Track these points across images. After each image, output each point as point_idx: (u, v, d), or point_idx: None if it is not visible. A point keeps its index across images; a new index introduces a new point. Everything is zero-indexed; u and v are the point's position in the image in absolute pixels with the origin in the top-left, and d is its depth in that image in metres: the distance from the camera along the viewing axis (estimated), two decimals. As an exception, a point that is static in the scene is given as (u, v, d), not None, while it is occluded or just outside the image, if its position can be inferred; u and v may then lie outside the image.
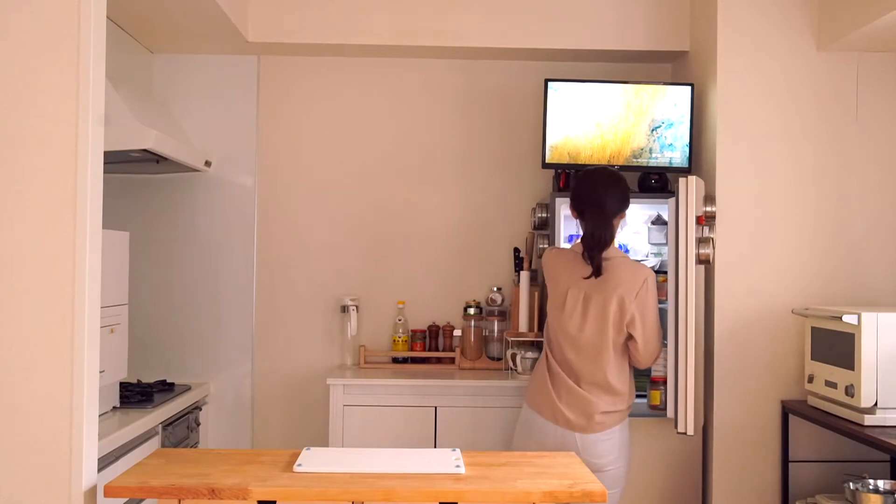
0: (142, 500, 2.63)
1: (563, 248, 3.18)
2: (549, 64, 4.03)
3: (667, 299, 3.28)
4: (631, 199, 3.01)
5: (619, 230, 3.00)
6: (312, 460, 2.16)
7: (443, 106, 4.10)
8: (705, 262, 3.40)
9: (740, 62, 3.53)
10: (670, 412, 3.21)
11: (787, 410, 3.45)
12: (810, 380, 3.33)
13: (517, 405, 3.66)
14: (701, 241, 3.35)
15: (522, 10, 3.85)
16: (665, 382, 3.29)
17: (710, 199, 3.47)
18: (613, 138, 3.67)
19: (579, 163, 3.67)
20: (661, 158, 3.68)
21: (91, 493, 2.08)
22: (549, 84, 3.68)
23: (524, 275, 3.81)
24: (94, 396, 2.11)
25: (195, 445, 3.65)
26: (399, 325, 4.01)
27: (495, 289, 3.99)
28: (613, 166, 3.66)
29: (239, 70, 4.03)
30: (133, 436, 2.88)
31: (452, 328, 4.03)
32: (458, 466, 2.10)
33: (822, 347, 3.28)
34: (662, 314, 3.08)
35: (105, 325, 2.70)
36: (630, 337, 2.89)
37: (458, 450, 2.29)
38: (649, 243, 3.80)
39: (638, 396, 3.09)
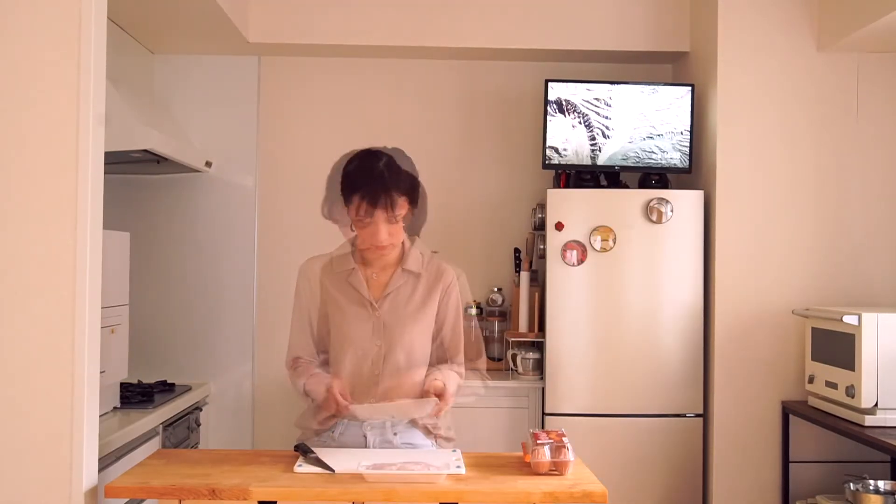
0: (142, 500, 2.62)
1: None
2: (549, 64, 4.02)
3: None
4: None
5: None
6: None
7: (443, 106, 4.10)
8: None
9: (740, 62, 3.53)
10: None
11: (788, 411, 3.45)
12: (811, 380, 3.33)
13: (517, 405, 3.67)
14: None
15: (522, 10, 3.84)
16: None
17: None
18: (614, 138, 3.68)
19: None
20: (661, 159, 3.68)
21: (92, 494, 2.08)
22: (549, 84, 3.68)
23: (524, 275, 3.81)
24: (95, 397, 2.11)
25: (195, 446, 3.64)
26: (399, 325, 4.00)
27: (495, 289, 3.99)
28: (614, 167, 3.66)
29: (239, 70, 4.03)
30: (133, 436, 2.87)
31: (452, 328, 4.02)
32: (458, 467, 2.10)
33: (822, 348, 3.28)
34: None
35: (105, 326, 2.69)
36: None
37: (458, 450, 2.29)
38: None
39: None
